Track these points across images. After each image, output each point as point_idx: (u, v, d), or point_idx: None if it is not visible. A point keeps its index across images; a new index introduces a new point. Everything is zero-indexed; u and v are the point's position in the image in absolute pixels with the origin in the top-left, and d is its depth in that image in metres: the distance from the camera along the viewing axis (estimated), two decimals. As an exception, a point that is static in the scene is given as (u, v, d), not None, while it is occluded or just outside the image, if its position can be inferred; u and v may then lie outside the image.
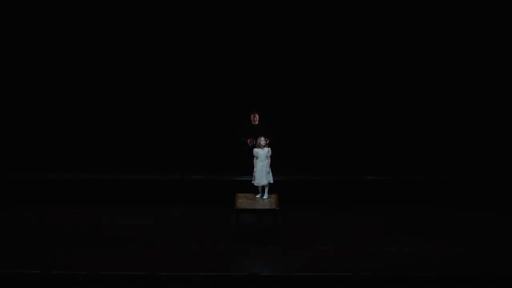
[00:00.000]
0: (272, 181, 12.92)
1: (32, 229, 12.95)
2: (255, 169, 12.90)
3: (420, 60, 15.60)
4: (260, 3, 15.67)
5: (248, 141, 14.75)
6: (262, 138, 12.97)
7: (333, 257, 11.47)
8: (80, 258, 11.36)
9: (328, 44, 15.65)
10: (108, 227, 13.17)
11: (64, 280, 10.54)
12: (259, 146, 12.87)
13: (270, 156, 12.86)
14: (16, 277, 10.64)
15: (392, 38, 15.53)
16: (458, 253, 11.69)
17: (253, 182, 12.96)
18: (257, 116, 15.13)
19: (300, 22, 15.76)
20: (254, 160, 12.90)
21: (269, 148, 12.87)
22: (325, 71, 15.82)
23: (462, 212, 13.89)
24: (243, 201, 12.78)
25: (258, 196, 12.96)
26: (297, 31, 15.82)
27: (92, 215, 13.87)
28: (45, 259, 11.33)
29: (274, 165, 13.06)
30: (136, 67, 15.79)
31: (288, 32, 15.82)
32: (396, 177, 15.01)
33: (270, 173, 12.88)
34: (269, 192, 12.95)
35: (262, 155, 12.83)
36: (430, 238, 12.50)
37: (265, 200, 12.85)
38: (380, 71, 15.65)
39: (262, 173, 12.81)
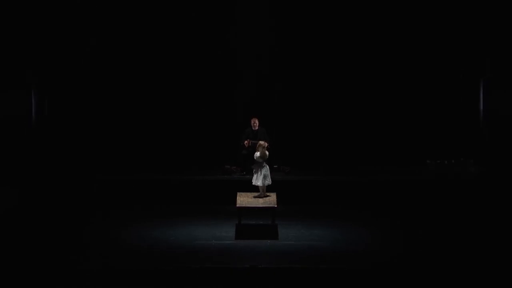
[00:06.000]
0: (270, 183, 13.17)
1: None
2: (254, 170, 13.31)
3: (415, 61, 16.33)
4: (259, 7, 16.21)
5: (245, 142, 15.25)
6: (261, 143, 13.29)
7: (328, 252, 11.69)
8: (86, 253, 11.65)
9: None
10: (110, 225, 13.39)
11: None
12: (258, 150, 13.16)
13: (267, 159, 13.14)
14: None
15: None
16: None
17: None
18: (257, 121, 15.64)
19: (299, 25, 16.40)
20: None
21: (267, 152, 13.13)
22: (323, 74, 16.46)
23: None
24: (243, 200, 13.08)
25: (257, 195, 13.26)
26: (296, 35, 16.39)
27: (91, 212, 14.23)
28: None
29: (273, 166, 13.45)
30: (141, 72, 16.49)
31: (288, 35, 16.38)
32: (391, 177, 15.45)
33: (269, 175, 13.15)
34: (268, 191, 13.26)
35: (260, 157, 13.14)
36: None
37: (264, 199, 13.12)
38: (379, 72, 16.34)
39: (257, 174, 13.11)
